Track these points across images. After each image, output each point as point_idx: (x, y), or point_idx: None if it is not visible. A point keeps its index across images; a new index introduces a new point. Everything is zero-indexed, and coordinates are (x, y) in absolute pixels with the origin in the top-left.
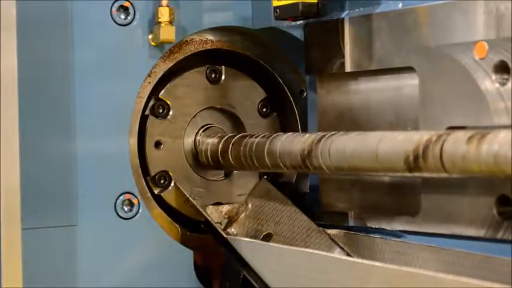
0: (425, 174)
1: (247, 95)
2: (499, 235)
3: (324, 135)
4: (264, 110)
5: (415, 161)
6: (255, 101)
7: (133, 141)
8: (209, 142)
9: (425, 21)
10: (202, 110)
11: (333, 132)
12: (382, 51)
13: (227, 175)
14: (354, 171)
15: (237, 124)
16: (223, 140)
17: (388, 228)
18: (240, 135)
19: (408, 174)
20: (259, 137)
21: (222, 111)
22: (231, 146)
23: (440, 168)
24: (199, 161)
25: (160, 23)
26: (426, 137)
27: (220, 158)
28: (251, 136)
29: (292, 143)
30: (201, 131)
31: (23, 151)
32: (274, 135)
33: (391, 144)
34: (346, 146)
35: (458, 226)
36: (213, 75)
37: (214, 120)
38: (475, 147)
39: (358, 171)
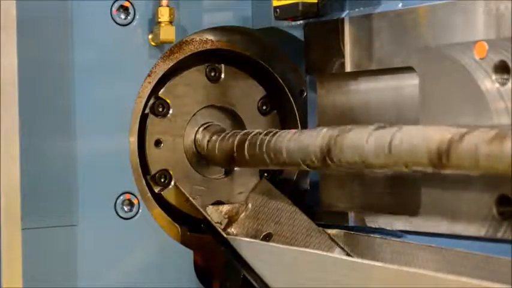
0: (449, 172)
1: (247, 93)
2: (499, 235)
3: (343, 130)
4: (264, 108)
5: (438, 159)
6: (255, 99)
7: (134, 141)
8: (217, 139)
9: (425, 21)
10: (202, 108)
11: (351, 127)
12: (382, 51)
13: (227, 173)
14: (373, 167)
15: (237, 122)
16: (237, 138)
17: (388, 228)
18: (253, 132)
19: (430, 171)
20: (276, 134)
21: (222, 109)
22: (247, 143)
23: (464, 166)
24: (199, 160)
25: (160, 23)
26: (449, 134)
27: (235, 156)
28: (266, 133)
29: (310, 139)
30: (201, 129)
31: (23, 151)
32: (288, 131)
33: (414, 141)
34: (366, 142)
35: (458, 226)
36: (212, 74)
37: (214, 118)
38: (499, 146)
39: (377, 168)
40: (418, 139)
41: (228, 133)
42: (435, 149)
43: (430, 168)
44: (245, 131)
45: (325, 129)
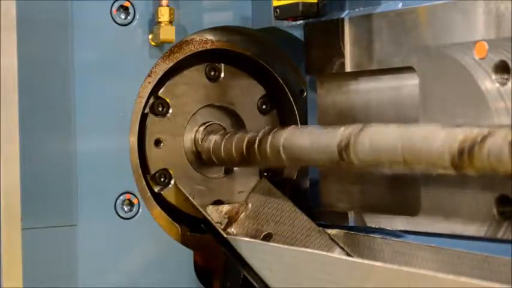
0: (471, 172)
1: (247, 92)
2: (499, 235)
3: (361, 129)
4: (264, 107)
5: (460, 159)
6: (254, 98)
7: (134, 141)
8: (220, 139)
9: (425, 21)
10: (202, 107)
11: (368, 125)
12: (382, 51)
13: (227, 172)
14: (393, 166)
15: (237, 121)
16: (248, 137)
17: (388, 228)
18: (263, 131)
19: (451, 172)
20: (288, 130)
21: (221, 108)
22: (257, 142)
23: (487, 168)
24: (199, 159)
25: (160, 23)
26: (472, 134)
27: (245, 155)
28: (278, 131)
29: (326, 138)
30: (201, 129)
31: (23, 151)
32: (301, 128)
33: (436, 142)
34: (386, 141)
35: (458, 225)
36: (212, 73)
37: (214, 118)
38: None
39: (397, 167)
40: (441, 141)
41: (233, 132)
42: (457, 150)
43: (451, 169)
44: (253, 132)
45: (343, 127)
